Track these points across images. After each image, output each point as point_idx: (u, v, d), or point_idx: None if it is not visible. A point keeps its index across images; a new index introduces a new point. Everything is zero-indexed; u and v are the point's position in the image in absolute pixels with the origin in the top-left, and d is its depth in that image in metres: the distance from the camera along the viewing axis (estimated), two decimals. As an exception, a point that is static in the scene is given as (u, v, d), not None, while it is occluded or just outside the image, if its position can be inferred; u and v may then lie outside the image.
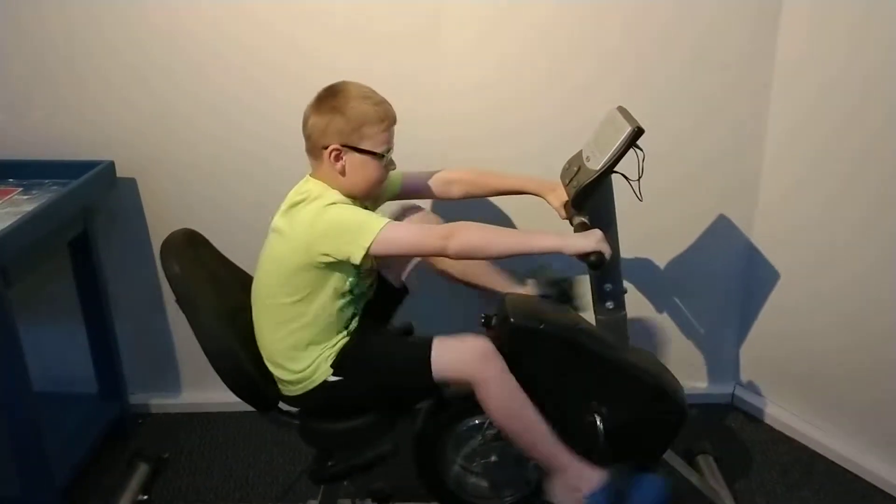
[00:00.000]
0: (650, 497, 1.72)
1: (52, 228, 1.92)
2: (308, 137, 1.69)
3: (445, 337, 1.68)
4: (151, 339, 2.44)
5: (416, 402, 1.82)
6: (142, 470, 2.18)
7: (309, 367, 1.69)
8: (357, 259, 1.57)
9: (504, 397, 1.65)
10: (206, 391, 2.45)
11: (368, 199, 1.76)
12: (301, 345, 1.69)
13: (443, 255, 1.62)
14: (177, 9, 2.08)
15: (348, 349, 1.71)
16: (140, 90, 2.16)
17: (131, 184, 2.25)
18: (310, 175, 1.72)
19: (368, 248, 1.56)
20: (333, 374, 1.69)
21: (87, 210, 2.14)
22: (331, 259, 1.60)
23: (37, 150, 2.17)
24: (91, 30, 2.10)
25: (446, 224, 1.66)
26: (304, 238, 1.61)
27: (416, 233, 1.63)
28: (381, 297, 1.87)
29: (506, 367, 1.65)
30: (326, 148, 1.65)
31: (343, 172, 1.66)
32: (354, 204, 1.69)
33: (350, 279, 1.68)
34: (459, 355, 1.65)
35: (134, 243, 2.31)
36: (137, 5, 2.07)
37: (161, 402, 2.50)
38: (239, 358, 1.65)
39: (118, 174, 2.19)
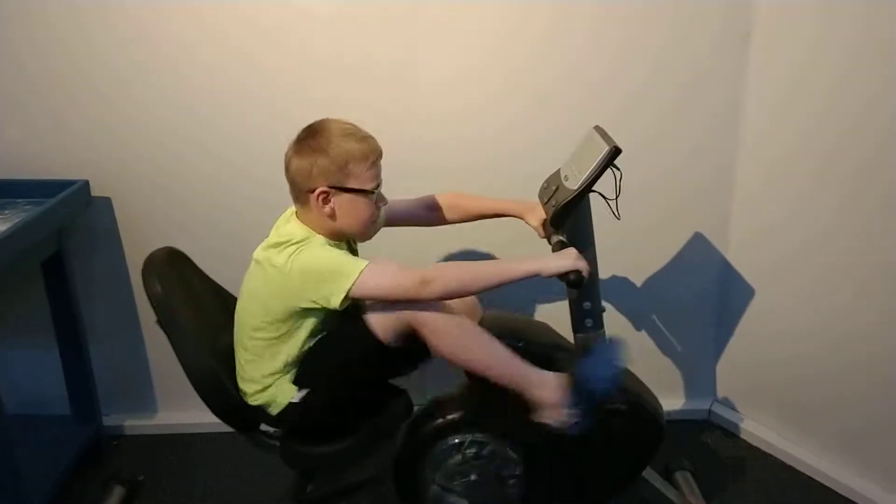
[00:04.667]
0: (604, 370, 1.70)
1: (25, 248, 1.90)
2: (292, 182, 1.63)
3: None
4: (126, 360, 2.41)
5: (383, 376, 1.77)
6: (117, 493, 2.15)
7: (268, 394, 1.68)
8: (337, 304, 1.55)
9: (450, 331, 1.60)
10: (182, 412, 2.42)
11: (363, 239, 1.74)
12: (269, 375, 1.67)
13: (422, 299, 1.57)
14: (152, 27, 2.07)
15: (304, 361, 1.69)
16: (114, 109, 2.14)
17: (106, 203, 2.23)
18: (295, 214, 1.68)
19: (348, 292, 1.54)
20: (299, 389, 1.67)
21: (60, 230, 2.12)
22: (308, 305, 1.58)
23: (10, 170, 2.15)
24: (64, 48, 2.08)
25: (424, 269, 1.60)
26: (281, 283, 1.58)
27: (396, 276, 1.57)
28: None
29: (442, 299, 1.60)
30: (313, 192, 1.60)
31: (333, 215, 1.62)
32: (339, 245, 1.67)
33: (326, 320, 1.66)
34: (390, 309, 1.59)
35: (108, 263, 2.29)
36: (111, 23, 2.06)
37: (136, 424, 2.47)
38: (220, 378, 1.64)
39: (93, 193, 2.17)
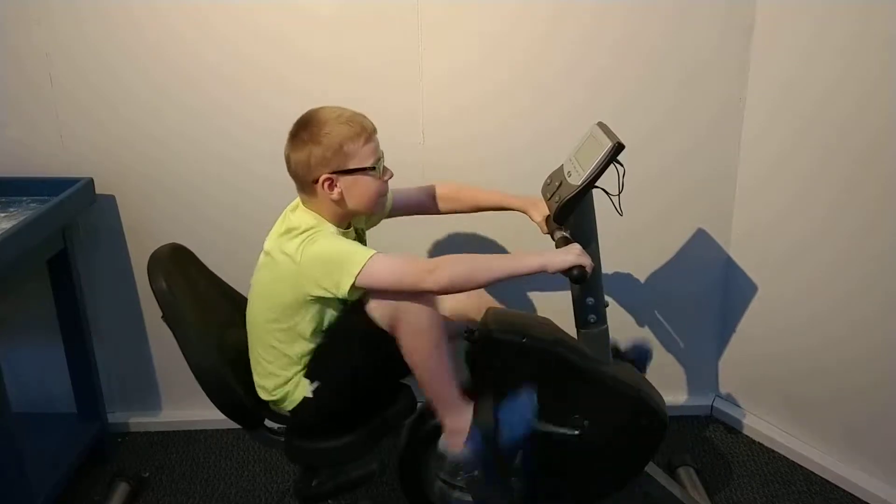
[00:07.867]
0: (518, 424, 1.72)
1: (30, 246, 1.91)
2: (295, 176, 1.66)
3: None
4: (131, 358, 2.42)
5: (389, 370, 1.75)
6: (122, 490, 2.16)
7: (288, 388, 1.69)
8: (344, 291, 1.56)
9: (423, 336, 1.61)
10: (186, 409, 2.43)
11: (375, 212, 1.77)
12: (288, 367, 1.69)
13: (429, 290, 1.58)
14: (154, 28, 2.08)
15: (314, 354, 1.70)
16: (118, 108, 2.15)
17: (110, 201, 2.24)
18: (301, 203, 1.70)
19: (355, 280, 1.54)
20: (311, 383, 1.68)
21: (65, 228, 2.12)
22: (319, 293, 1.59)
23: (15, 168, 2.16)
24: (69, 46, 2.09)
25: (432, 259, 1.62)
26: (290, 271, 1.60)
27: (403, 266, 1.58)
28: None
29: (433, 307, 1.61)
30: (317, 181, 1.62)
31: (341, 200, 1.65)
32: (347, 234, 1.69)
33: (335, 314, 1.67)
34: (389, 295, 1.59)
35: (113, 261, 2.29)
36: (117, 21, 2.07)
37: (141, 421, 2.47)
38: (225, 375, 1.64)
39: (97, 191, 2.18)
